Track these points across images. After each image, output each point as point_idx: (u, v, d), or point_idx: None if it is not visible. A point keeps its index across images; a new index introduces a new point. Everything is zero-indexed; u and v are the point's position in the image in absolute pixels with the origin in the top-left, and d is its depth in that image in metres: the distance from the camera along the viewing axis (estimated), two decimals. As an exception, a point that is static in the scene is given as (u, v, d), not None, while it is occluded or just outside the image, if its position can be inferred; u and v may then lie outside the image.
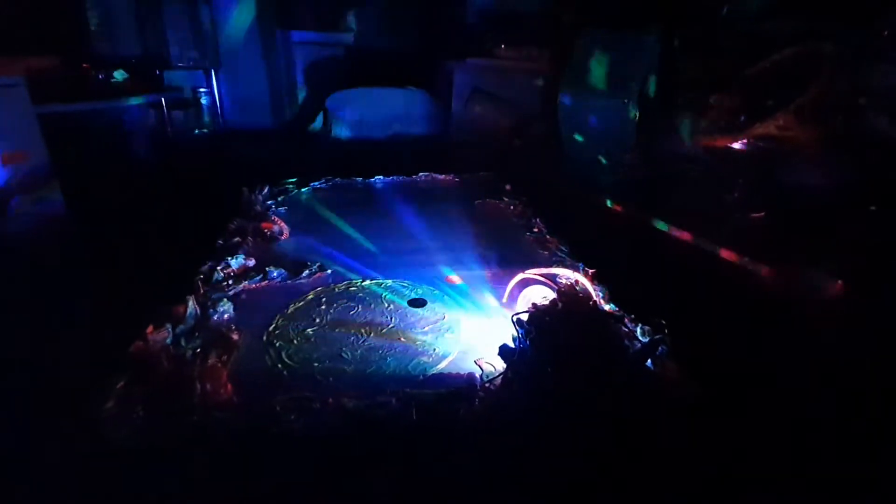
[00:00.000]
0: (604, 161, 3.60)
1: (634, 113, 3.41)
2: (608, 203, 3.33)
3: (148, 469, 1.18)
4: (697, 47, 3.41)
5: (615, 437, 1.24)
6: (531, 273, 1.63)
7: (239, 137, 5.17)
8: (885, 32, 2.53)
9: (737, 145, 2.93)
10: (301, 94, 5.76)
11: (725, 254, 2.61)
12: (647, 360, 1.38)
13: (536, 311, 1.36)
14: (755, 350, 1.77)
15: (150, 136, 4.47)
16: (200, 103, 5.18)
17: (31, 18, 3.44)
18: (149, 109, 4.47)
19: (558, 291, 1.41)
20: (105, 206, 3.03)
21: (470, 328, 1.72)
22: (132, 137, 4.24)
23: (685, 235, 2.87)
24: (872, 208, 2.39)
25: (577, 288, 1.49)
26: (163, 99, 4.49)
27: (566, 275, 1.49)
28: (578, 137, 3.72)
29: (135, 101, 4.11)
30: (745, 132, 2.89)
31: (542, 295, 1.62)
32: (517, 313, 1.41)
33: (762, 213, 2.84)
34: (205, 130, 5.11)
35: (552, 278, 1.58)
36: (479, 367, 1.47)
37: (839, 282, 2.19)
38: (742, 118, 2.89)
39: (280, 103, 5.57)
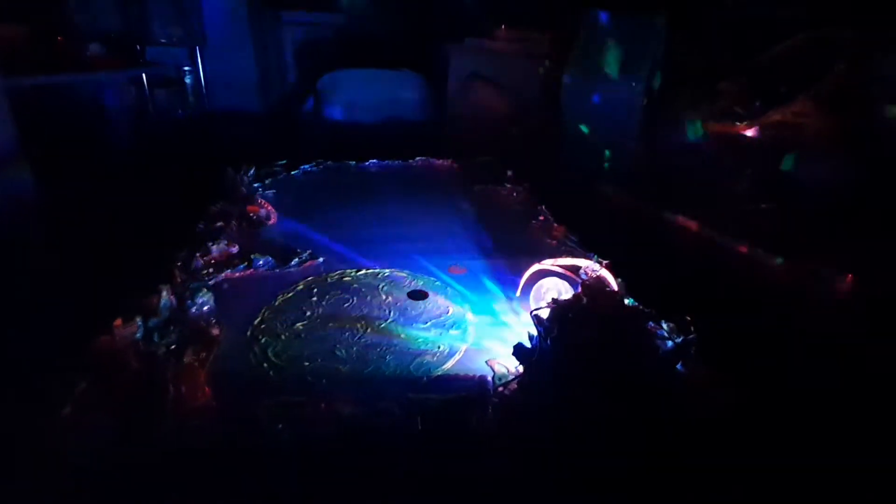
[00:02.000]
0: (607, 149, 3.46)
1: (641, 99, 3.27)
2: (612, 192, 3.20)
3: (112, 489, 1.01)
4: (706, 32, 3.28)
5: (646, 449, 1.10)
6: (548, 264, 1.47)
7: (224, 119, 4.94)
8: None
9: (748, 133, 2.79)
10: (290, 76, 5.54)
11: (734, 246, 2.50)
12: (678, 363, 1.24)
13: (558, 307, 1.20)
14: (765, 344, 1.68)
15: (131, 116, 4.22)
16: (184, 83, 4.92)
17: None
18: (129, 87, 4.21)
19: (582, 285, 1.26)
20: (78, 188, 2.81)
21: (477, 323, 1.56)
22: (110, 115, 4.00)
23: (691, 226, 2.75)
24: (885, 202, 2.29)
25: (602, 282, 1.33)
26: (143, 75, 4.23)
27: (588, 266, 1.33)
28: (581, 124, 3.57)
29: (112, 75, 3.86)
30: (758, 119, 2.76)
31: (557, 288, 1.47)
32: (536, 309, 1.25)
33: (772, 205, 2.72)
34: (189, 111, 4.86)
35: (572, 270, 1.43)
36: (491, 368, 1.32)
37: (849, 276, 2.09)
38: (757, 104, 2.75)
39: (268, 85, 5.32)
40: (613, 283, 1.40)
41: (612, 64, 3.33)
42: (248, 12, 4.90)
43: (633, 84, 3.22)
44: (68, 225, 2.45)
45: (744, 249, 2.49)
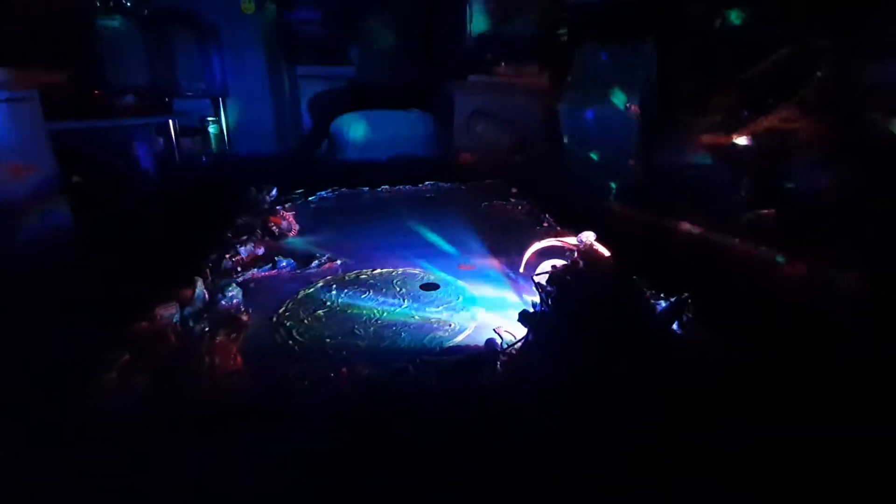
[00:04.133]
0: (609, 168, 3.61)
1: (637, 119, 3.44)
2: (614, 207, 3.32)
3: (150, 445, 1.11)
4: (695, 53, 3.48)
5: (642, 400, 1.17)
6: (547, 242, 1.59)
7: (245, 163, 5.23)
8: (881, 30, 2.58)
9: (741, 141, 2.93)
10: (305, 122, 5.88)
11: (737, 250, 2.57)
12: (673, 322, 1.33)
13: (556, 271, 1.31)
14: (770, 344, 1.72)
15: (159, 161, 4.52)
16: (208, 131, 5.27)
17: (45, 34, 3.53)
18: (157, 135, 4.54)
19: (578, 251, 1.37)
20: (111, 220, 3.02)
21: (485, 306, 1.66)
22: (141, 158, 4.29)
23: (695, 234, 2.83)
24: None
25: (596, 250, 1.44)
26: (171, 122, 4.56)
27: (583, 236, 1.44)
28: (581, 147, 3.74)
29: (143, 121, 4.18)
30: (748, 126, 2.91)
31: (557, 262, 1.58)
32: (537, 274, 1.36)
33: (773, 211, 2.81)
34: (212, 157, 5.17)
35: (569, 245, 1.54)
36: (499, 335, 1.41)
37: (851, 276, 2.14)
38: (745, 113, 2.91)
39: (285, 131, 5.67)
40: (606, 252, 1.50)
41: (607, 89, 3.54)
42: (267, 67, 5.30)
43: (627, 106, 3.40)
44: (103, 252, 2.63)
45: (743, 249, 2.56)
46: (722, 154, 3.12)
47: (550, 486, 1.08)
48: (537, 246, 1.61)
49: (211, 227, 2.43)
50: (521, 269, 1.68)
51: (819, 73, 2.71)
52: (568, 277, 1.29)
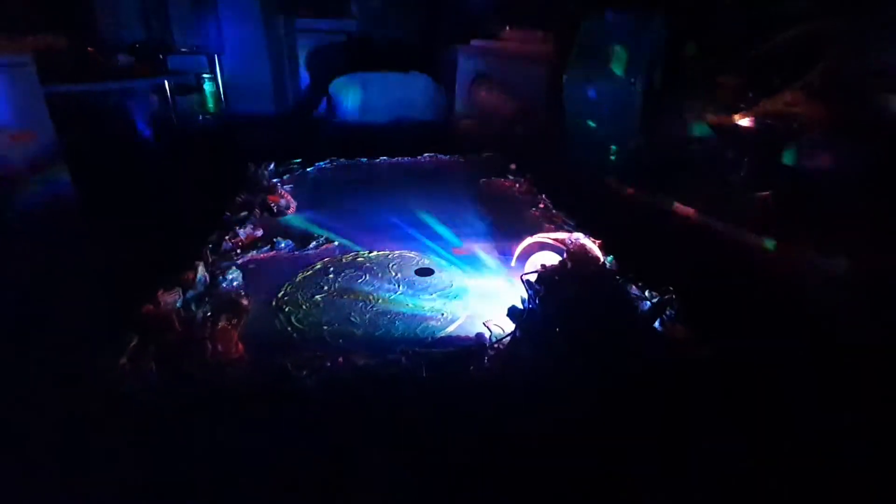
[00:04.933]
0: (610, 145, 3.59)
1: (641, 95, 3.40)
2: (613, 184, 3.32)
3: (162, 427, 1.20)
4: (703, 29, 3.39)
5: (623, 395, 1.25)
6: (539, 237, 1.63)
7: (243, 123, 5.17)
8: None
9: (744, 123, 2.92)
10: (304, 80, 5.76)
11: (731, 233, 2.61)
12: (655, 320, 1.39)
13: (545, 271, 1.36)
14: (759, 328, 1.78)
15: (155, 121, 4.47)
16: (204, 89, 5.17)
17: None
18: (153, 94, 4.47)
19: (567, 252, 1.42)
20: (112, 186, 3.04)
21: (477, 295, 1.72)
22: (137, 120, 4.25)
23: (691, 215, 2.86)
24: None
25: (585, 249, 1.49)
26: (166, 82, 4.48)
27: (573, 236, 1.49)
28: (583, 120, 3.70)
29: (139, 83, 4.11)
30: (752, 109, 2.88)
31: (549, 260, 1.63)
32: (525, 273, 1.41)
33: (768, 193, 2.83)
34: (208, 116, 5.11)
35: (559, 241, 1.59)
36: (488, 328, 1.48)
37: (844, 261, 2.19)
38: (750, 95, 2.88)
39: (283, 89, 5.56)
40: (597, 250, 1.56)
41: (611, 62, 3.47)
42: (264, 20, 5.14)
43: (633, 81, 3.34)
44: (105, 220, 2.66)
45: (738, 234, 2.59)
46: (724, 134, 3.10)
47: (530, 481, 1.18)
48: (529, 241, 1.66)
49: (210, 196, 2.47)
50: (513, 263, 1.74)
51: (828, 57, 2.66)
52: (556, 278, 1.34)
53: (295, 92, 5.78)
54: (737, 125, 2.99)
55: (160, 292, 1.59)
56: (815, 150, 2.67)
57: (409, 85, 5.13)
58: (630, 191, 3.21)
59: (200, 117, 5.09)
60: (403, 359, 1.33)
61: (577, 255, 1.39)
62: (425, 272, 1.88)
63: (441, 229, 2.25)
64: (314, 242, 2.04)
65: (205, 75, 5.10)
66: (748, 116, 2.93)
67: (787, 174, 2.78)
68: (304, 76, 5.80)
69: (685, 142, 3.25)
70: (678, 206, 2.95)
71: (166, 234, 2.34)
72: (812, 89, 2.69)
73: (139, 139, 4.17)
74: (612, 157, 3.57)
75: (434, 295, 1.73)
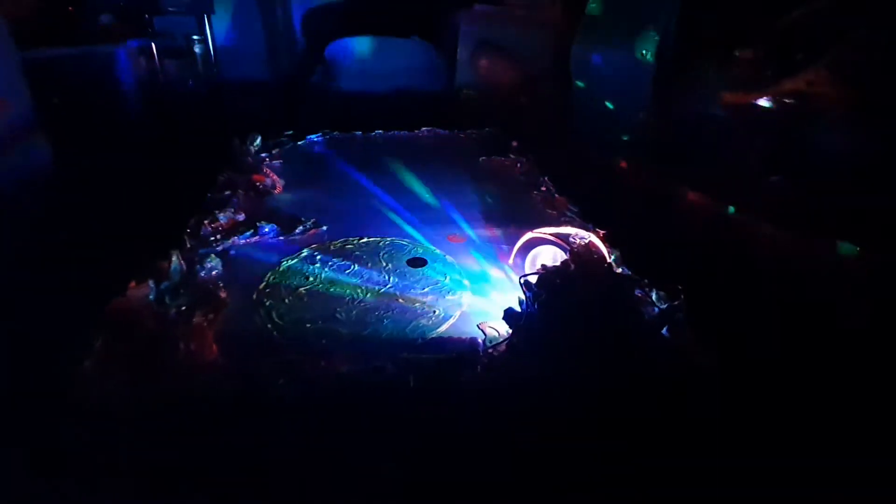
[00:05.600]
0: (617, 120, 3.42)
1: (652, 68, 3.21)
2: (621, 163, 3.18)
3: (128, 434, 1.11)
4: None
5: (628, 410, 1.16)
6: (540, 232, 1.51)
7: (234, 89, 4.95)
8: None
9: (762, 102, 2.74)
10: (299, 44, 5.50)
11: (741, 220, 2.49)
12: (663, 328, 1.28)
13: (546, 273, 1.24)
14: (772, 322, 1.69)
15: (142, 86, 4.26)
16: (194, 52, 4.92)
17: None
18: (139, 57, 4.24)
19: (571, 252, 1.30)
20: (94, 159, 2.89)
21: (473, 290, 1.61)
22: (122, 86, 4.04)
23: (701, 199, 2.74)
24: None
25: (591, 249, 1.37)
26: (153, 45, 4.25)
27: (579, 234, 1.37)
28: (591, 93, 3.52)
29: (123, 46, 3.89)
30: (771, 88, 2.70)
31: (551, 256, 1.51)
32: (525, 275, 1.30)
33: (779, 177, 2.68)
34: (199, 81, 4.88)
35: (563, 238, 1.47)
36: (482, 331, 1.38)
37: (858, 251, 2.08)
38: (769, 73, 2.69)
39: (277, 53, 5.31)
40: (604, 249, 1.44)
41: (622, 31, 3.27)
42: (257, -22, 4.86)
43: (644, 52, 3.15)
44: (84, 193, 2.53)
45: (749, 224, 2.48)
46: (740, 114, 2.93)
47: (524, 492, 1.10)
48: (529, 235, 1.53)
49: (197, 172, 2.33)
50: (510, 261, 1.62)
51: (857, 32, 2.47)
52: (557, 281, 1.23)
53: (290, 56, 5.52)
54: (753, 104, 2.81)
55: (132, 284, 1.48)
56: (836, 133, 2.51)
57: (408, 51, 4.90)
58: (637, 172, 3.07)
59: (191, 82, 4.86)
60: (390, 366, 1.23)
61: (581, 256, 1.27)
62: (418, 262, 1.76)
63: (436, 214, 2.12)
64: (301, 227, 1.91)
65: (195, 37, 4.85)
66: (766, 95, 2.75)
67: (804, 159, 2.63)
68: (300, 40, 5.54)
69: (698, 120, 3.09)
70: (686, 192, 2.81)
71: (148, 213, 2.22)
72: (838, 69, 2.51)
73: (124, 107, 3.98)
74: (620, 135, 3.40)
75: (426, 289, 1.62)
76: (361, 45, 4.85)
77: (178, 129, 3.79)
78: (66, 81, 3.45)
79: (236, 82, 5.03)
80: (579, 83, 3.58)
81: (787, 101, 2.70)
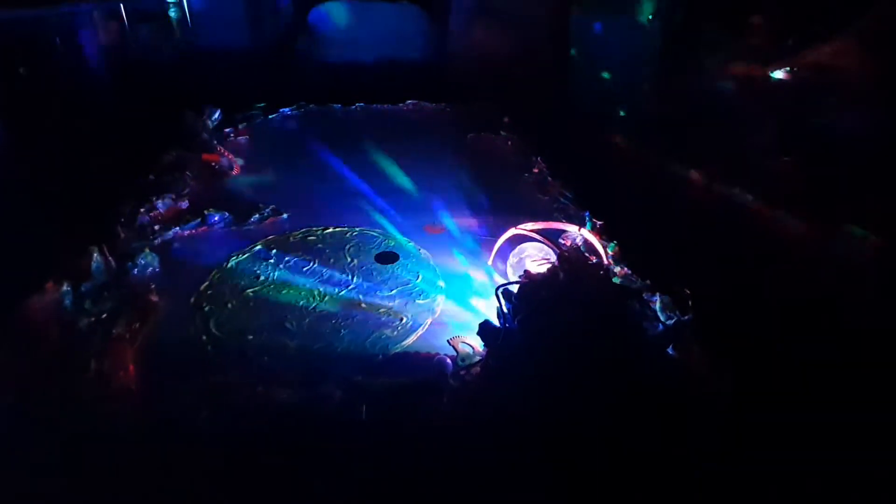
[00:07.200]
0: (619, 94, 3.16)
1: (657, 37, 2.94)
2: (622, 142, 2.94)
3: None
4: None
5: (624, 451, 0.96)
6: (525, 229, 1.28)
7: (212, 57, 4.63)
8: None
9: (778, 75, 2.48)
10: (281, 10, 5.16)
11: (749, 205, 2.27)
12: (668, 347, 1.07)
13: (529, 283, 1.02)
14: (779, 317, 1.49)
15: (109, 54, 3.95)
16: (169, 17, 4.59)
17: None
18: (107, 21, 3.92)
19: (559, 257, 1.08)
20: (52, 133, 2.62)
21: (448, 293, 1.40)
22: (87, 53, 3.73)
23: (705, 182, 2.51)
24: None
25: (586, 249, 1.15)
26: (122, 7, 3.92)
27: (570, 232, 1.15)
28: (591, 65, 3.24)
29: (88, 7, 3.57)
30: (788, 59, 2.44)
31: (537, 256, 1.29)
32: (503, 285, 1.08)
33: (790, 158, 2.44)
34: (174, 48, 4.56)
35: (552, 238, 1.24)
36: (454, 347, 1.16)
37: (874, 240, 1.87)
38: (789, 42, 2.43)
39: (258, 18, 4.96)
40: (601, 249, 1.22)
41: (627, -4, 2.98)
42: (235, -64, 4.49)
43: (649, 19, 2.88)
44: (33, 173, 2.28)
45: (757, 209, 2.26)
46: (752, 88, 2.66)
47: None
48: (511, 232, 1.30)
49: (149, 154, 2.08)
50: (490, 262, 1.39)
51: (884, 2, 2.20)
52: (542, 293, 1.01)
53: (272, 22, 5.18)
54: (768, 77, 2.55)
55: (48, 285, 1.26)
56: (858, 111, 2.26)
57: (398, 17, 4.57)
58: (638, 151, 2.83)
59: (164, 49, 4.54)
60: (339, 393, 1.02)
61: (572, 263, 1.05)
62: (387, 258, 1.54)
63: (415, 200, 1.89)
64: (257, 215, 1.68)
65: (169, 1, 4.51)
66: (783, 67, 2.48)
67: (818, 138, 2.39)
68: (282, 5, 5.19)
69: (706, 95, 2.83)
70: (690, 174, 2.58)
71: (84, 198, 1.97)
72: (865, 38, 2.24)
73: (89, 76, 3.68)
74: (621, 110, 3.15)
75: (394, 291, 1.40)
76: (347, 10, 4.52)
77: (146, 101, 3.50)
78: (19, 48, 3.16)
79: (215, 49, 4.70)
80: (579, 53, 3.30)
81: (805, 74, 2.43)
